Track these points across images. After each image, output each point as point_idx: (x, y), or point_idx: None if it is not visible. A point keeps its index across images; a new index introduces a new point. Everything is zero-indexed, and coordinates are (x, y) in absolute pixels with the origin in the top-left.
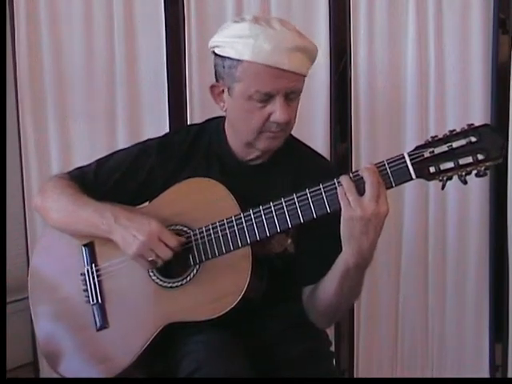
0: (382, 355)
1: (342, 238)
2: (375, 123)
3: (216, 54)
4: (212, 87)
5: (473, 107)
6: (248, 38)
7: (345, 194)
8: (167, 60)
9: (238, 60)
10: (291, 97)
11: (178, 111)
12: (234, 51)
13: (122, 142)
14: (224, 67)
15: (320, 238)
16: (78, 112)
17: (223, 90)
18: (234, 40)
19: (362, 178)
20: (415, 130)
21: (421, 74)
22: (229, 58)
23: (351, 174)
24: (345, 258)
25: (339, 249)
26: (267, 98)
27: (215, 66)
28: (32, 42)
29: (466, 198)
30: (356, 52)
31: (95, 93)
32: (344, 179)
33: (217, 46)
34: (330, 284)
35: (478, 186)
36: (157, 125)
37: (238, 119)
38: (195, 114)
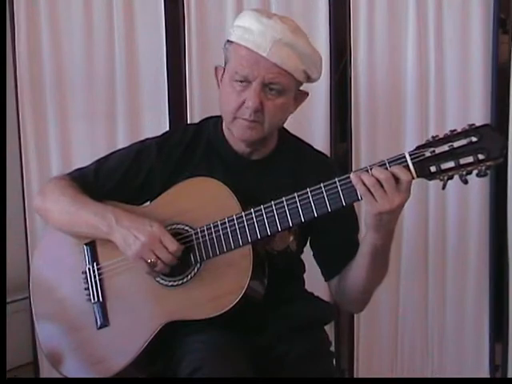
0: (382, 355)
1: (368, 227)
2: (375, 123)
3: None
4: (215, 68)
5: (473, 107)
6: (243, 22)
7: (368, 190)
8: (167, 60)
9: (230, 41)
10: (271, 88)
11: (177, 111)
12: (230, 34)
13: (122, 142)
14: (224, 50)
15: (331, 230)
16: (77, 112)
17: (223, 74)
18: (234, 24)
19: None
20: (415, 130)
21: (421, 74)
22: (228, 40)
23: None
24: (373, 243)
25: (353, 229)
26: (245, 83)
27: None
28: (32, 42)
29: (466, 198)
30: (356, 52)
31: (95, 93)
32: (365, 176)
33: (229, 33)
34: (360, 270)
35: (478, 186)
36: (157, 125)
37: (221, 101)
38: (195, 114)
